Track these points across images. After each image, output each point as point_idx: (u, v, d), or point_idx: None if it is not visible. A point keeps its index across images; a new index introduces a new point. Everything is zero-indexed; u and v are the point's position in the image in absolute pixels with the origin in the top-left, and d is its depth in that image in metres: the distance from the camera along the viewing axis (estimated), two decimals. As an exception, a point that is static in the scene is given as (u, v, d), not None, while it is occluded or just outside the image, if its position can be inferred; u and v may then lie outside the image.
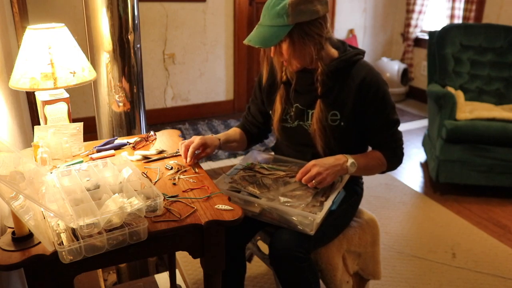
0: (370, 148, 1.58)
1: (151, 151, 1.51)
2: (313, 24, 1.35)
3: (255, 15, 4.26)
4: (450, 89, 3.08)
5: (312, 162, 1.41)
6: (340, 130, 1.48)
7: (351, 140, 1.52)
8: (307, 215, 1.33)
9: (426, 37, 4.39)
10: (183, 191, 1.26)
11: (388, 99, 1.48)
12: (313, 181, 1.39)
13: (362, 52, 1.51)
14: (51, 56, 1.34)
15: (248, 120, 1.72)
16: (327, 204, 1.38)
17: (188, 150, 1.43)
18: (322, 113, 1.47)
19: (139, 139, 1.55)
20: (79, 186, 1.13)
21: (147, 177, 1.32)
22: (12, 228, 1.04)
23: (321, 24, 1.38)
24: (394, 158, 1.53)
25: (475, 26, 3.30)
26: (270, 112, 1.62)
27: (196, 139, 1.45)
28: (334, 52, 1.48)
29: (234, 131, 1.69)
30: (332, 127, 1.48)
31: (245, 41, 1.39)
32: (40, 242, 1.01)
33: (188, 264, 2.14)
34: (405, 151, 1.55)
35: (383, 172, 1.55)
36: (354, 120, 1.48)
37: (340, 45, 1.52)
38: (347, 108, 1.47)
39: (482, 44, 3.22)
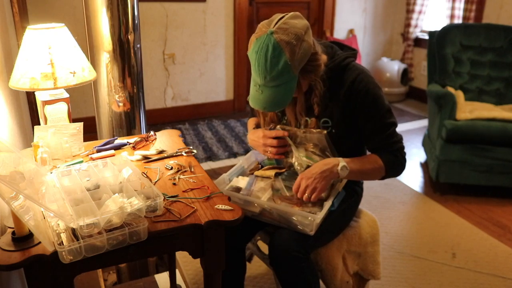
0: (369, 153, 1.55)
1: (151, 151, 1.51)
2: (311, 59, 1.33)
3: (255, 15, 4.26)
4: (450, 89, 3.08)
5: (300, 176, 1.40)
6: (332, 137, 1.46)
7: (345, 146, 1.48)
8: (307, 215, 1.33)
9: (426, 37, 4.39)
10: (183, 191, 1.26)
11: (380, 103, 1.42)
12: (306, 194, 1.37)
13: (352, 55, 1.46)
14: (51, 56, 1.34)
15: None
16: (327, 204, 1.38)
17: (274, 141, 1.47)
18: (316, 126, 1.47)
19: (139, 139, 1.55)
20: (79, 186, 1.13)
21: (147, 177, 1.32)
22: (12, 228, 1.04)
23: (316, 53, 1.35)
24: (393, 161, 1.46)
25: (475, 26, 3.29)
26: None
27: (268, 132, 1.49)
28: (324, 58, 1.44)
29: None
30: None
31: (257, 107, 1.35)
32: (40, 242, 1.01)
33: (188, 264, 2.14)
34: (406, 153, 1.48)
35: (383, 178, 1.48)
36: (346, 126, 1.45)
37: (329, 50, 1.47)
38: (337, 115, 1.44)
39: (482, 44, 3.22)
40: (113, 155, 1.44)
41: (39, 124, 1.50)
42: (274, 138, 1.49)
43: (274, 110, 1.41)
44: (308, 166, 1.43)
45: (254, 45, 1.29)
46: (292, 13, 1.32)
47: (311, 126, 1.47)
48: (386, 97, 1.47)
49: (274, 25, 1.27)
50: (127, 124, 1.82)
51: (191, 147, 1.53)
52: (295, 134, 1.48)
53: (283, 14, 1.31)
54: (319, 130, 1.45)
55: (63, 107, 1.46)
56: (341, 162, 1.39)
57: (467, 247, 2.33)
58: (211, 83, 4.28)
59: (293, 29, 1.26)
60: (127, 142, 1.56)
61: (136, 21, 1.72)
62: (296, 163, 1.47)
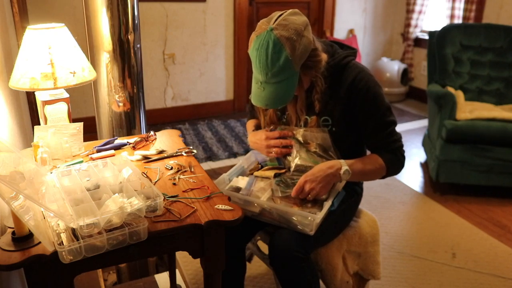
0: (369, 152, 1.55)
1: (151, 151, 1.51)
2: (311, 55, 1.34)
3: (255, 15, 4.26)
4: (450, 89, 3.08)
5: (303, 178, 1.39)
6: (332, 135, 1.46)
7: (345, 144, 1.49)
8: (307, 215, 1.33)
9: (426, 37, 4.39)
10: (183, 191, 1.26)
11: (380, 101, 1.43)
12: (309, 195, 1.38)
13: (352, 53, 1.47)
14: (51, 56, 1.34)
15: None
16: (327, 204, 1.38)
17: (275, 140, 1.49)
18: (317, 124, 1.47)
19: (139, 139, 1.55)
20: (79, 186, 1.13)
21: (147, 177, 1.32)
22: (12, 228, 1.04)
23: (316, 49, 1.36)
24: (394, 160, 1.47)
25: (475, 26, 3.29)
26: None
27: (267, 133, 1.51)
28: (324, 57, 1.43)
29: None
30: None
31: (260, 104, 1.36)
32: (40, 242, 1.01)
33: (188, 264, 2.14)
34: (405, 151, 1.49)
35: (384, 177, 1.50)
36: (346, 125, 1.45)
37: (329, 48, 1.47)
38: (337, 113, 1.44)
39: (482, 44, 3.22)
40: (113, 155, 1.44)
41: (39, 124, 1.50)
42: (277, 138, 1.49)
43: (276, 106, 1.41)
44: (310, 167, 1.43)
45: (254, 42, 1.29)
46: (291, 10, 1.33)
47: (311, 124, 1.47)
48: (386, 97, 1.48)
49: (274, 22, 1.27)
50: (127, 124, 1.82)
51: (191, 147, 1.53)
52: (297, 134, 1.48)
53: (282, 12, 1.32)
54: (320, 128, 1.45)
55: (63, 107, 1.46)
56: (344, 166, 1.40)
57: (467, 247, 2.33)
58: (211, 83, 4.29)
59: (293, 25, 1.27)
60: (127, 142, 1.56)
61: (136, 21, 1.72)
62: (298, 164, 1.47)
